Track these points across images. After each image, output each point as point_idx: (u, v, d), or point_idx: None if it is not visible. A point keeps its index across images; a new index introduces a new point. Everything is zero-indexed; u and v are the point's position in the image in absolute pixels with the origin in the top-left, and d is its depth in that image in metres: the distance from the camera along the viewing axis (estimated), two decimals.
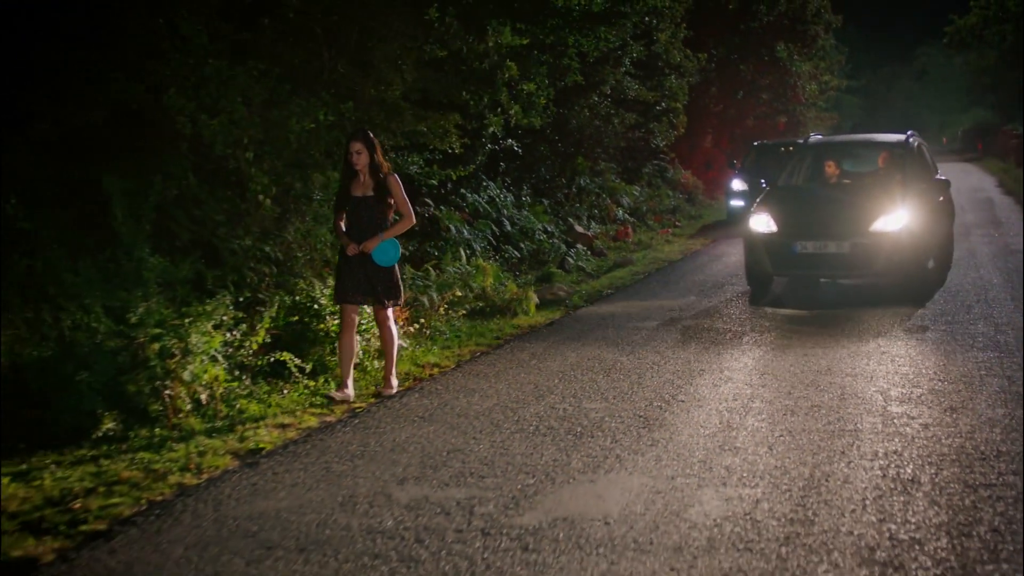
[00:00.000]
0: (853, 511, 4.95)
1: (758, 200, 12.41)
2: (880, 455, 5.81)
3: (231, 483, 5.73)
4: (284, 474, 5.85)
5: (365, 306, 7.86)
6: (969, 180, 32.77)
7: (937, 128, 73.05)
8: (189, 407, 7.06)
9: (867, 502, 5.07)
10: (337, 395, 7.47)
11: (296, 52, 10.01)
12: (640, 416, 6.83)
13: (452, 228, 13.22)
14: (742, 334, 9.79)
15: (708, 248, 18.31)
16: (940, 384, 7.46)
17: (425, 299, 10.27)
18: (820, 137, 14.21)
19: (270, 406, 7.40)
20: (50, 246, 7.95)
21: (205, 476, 5.91)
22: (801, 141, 15.98)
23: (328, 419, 7.10)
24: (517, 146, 16.20)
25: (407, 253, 12.08)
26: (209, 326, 7.27)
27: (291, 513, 5.19)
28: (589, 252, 16.33)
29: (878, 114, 72.95)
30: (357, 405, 7.47)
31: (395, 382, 7.83)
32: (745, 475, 5.52)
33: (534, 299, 11.56)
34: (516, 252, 14.62)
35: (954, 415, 6.60)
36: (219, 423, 6.98)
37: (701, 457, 5.88)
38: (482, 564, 4.45)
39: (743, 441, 6.16)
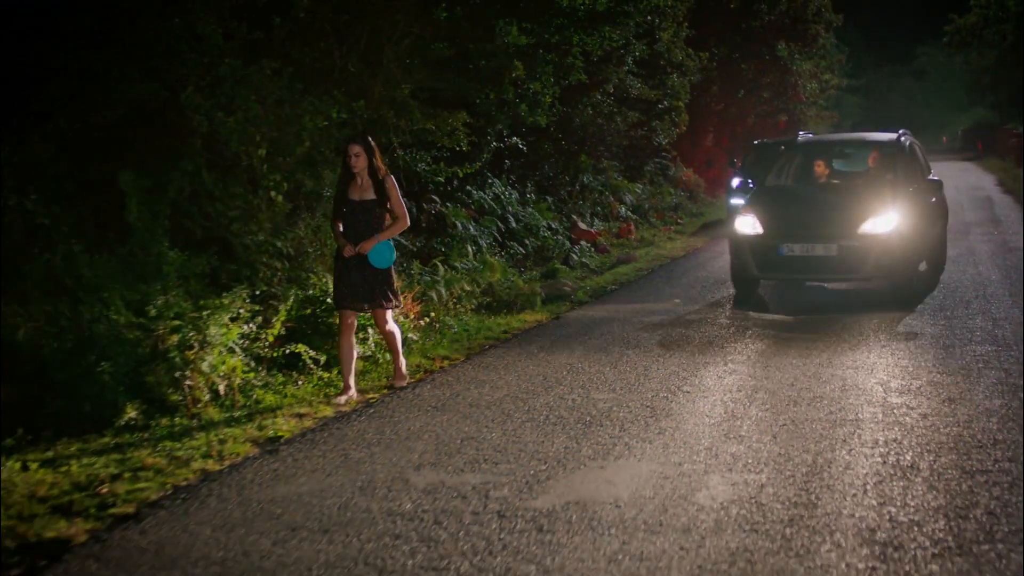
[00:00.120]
0: (854, 495, 5.14)
1: (744, 200, 12.21)
2: (880, 443, 6.01)
3: (253, 469, 5.93)
4: (303, 460, 6.04)
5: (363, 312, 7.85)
6: (969, 179, 32.98)
7: (937, 127, 73.22)
8: (207, 397, 7.25)
9: (868, 487, 5.26)
10: (340, 399, 7.49)
11: (307, 51, 10.20)
12: (647, 406, 7.03)
13: (459, 225, 13.41)
14: (745, 329, 10.00)
15: (710, 245, 18.50)
16: (939, 376, 7.65)
17: (434, 294, 10.46)
18: (809, 136, 13.99)
19: (286, 396, 7.60)
20: (68, 240, 8.14)
21: (227, 462, 6.10)
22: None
23: (343, 409, 7.30)
24: (522, 144, 16.38)
25: (415, 249, 12.28)
26: (226, 319, 7.46)
27: (312, 497, 5.38)
28: (593, 249, 16.52)
29: (878, 113, 73.05)
30: (371, 396, 7.67)
31: (405, 371, 7.98)
32: (750, 462, 5.72)
33: (540, 294, 11.75)
34: (521, 248, 14.82)
35: (952, 405, 6.80)
36: (237, 413, 7.18)
37: (707, 445, 6.08)
38: (499, 544, 4.64)
39: (747, 430, 6.36)
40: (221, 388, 7.33)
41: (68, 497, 5.56)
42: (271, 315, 8.22)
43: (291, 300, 8.02)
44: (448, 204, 13.88)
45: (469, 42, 11.45)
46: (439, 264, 11.59)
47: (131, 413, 6.88)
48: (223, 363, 7.32)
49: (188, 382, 7.15)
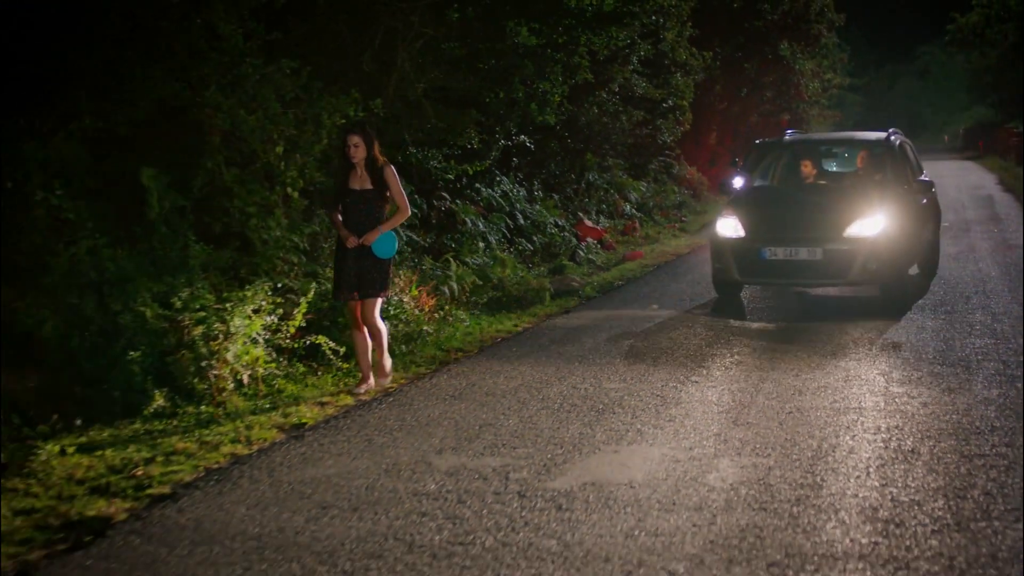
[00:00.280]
0: (858, 477, 5.40)
1: (727, 202, 11.85)
2: (883, 430, 6.27)
3: (281, 453, 6.18)
4: (329, 445, 6.30)
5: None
6: (970, 178, 33.20)
7: (939, 126, 73.42)
8: (231, 386, 7.50)
9: (871, 470, 5.52)
10: (360, 389, 7.73)
11: (324, 51, 10.44)
12: (657, 395, 7.28)
13: (468, 221, 13.65)
14: (751, 322, 10.26)
15: None
16: (939, 368, 7.91)
17: (446, 288, 10.72)
18: (796, 135, 13.56)
19: (307, 386, 7.86)
20: (92, 235, 8.38)
21: (255, 447, 6.36)
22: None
23: (363, 398, 7.55)
24: (529, 142, 16.63)
25: (425, 245, 12.53)
26: (249, 310, 7.71)
27: (340, 478, 5.64)
28: (599, 246, 16.77)
29: (880, 112, 73.21)
30: (389, 386, 7.92)
31: (389, 365, 7.91)
32: (758, 446, 5.97)
33: (549, 289, 12.00)
34: (529, 245, 15.07)
35: (952, 395, 7.05)
36: (261, 402, 7.43)
37: (716, 431, 6.33)
38: (520, 521, 4.90)
39: (755, 417, 6.62)
40: (245, 377, 7.59)
41: (105, 479, 5.81)
42: (289, 308, 8.46)
43: (312, 293, 8.27)
44: (457, 201, 14.13)
45: (480, 42, 11.70)
46: (451, 259, 11.84)
47: (159, 401, 7.15)
48: (246, 353, 7.57)
49: (213, 371, 7.40)
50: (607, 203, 20.46)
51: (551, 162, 18.51)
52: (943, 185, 28.26)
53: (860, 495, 5.12)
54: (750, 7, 29.40)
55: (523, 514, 4.99)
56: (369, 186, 7.63)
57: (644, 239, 19.08)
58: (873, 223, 10.39)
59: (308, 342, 8.21)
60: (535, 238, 15.44)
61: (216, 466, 6.01)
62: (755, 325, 10.09)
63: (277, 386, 7.77)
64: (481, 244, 13.35)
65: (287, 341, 8.14)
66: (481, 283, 11.36)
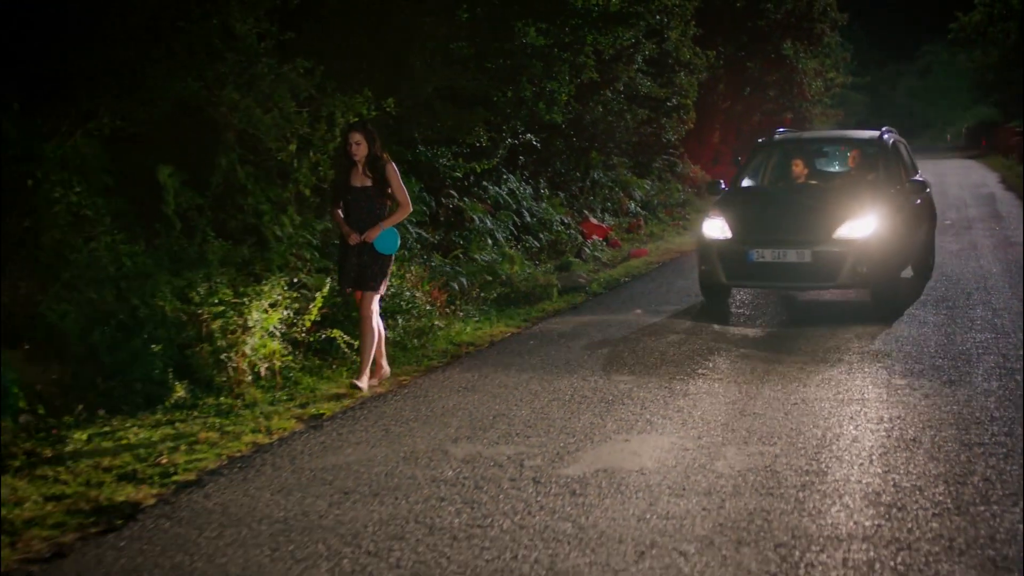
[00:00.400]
0: (861, 464, 5.59)
1: (713, 202, 11.57)
2: (885, 419, 6.45)
3: (301, 442, 6.37)
4: (347, 434, 6.49)
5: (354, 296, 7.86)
6: (972, 176, 33.34)
7: (941, 125, 73.54)
8: (249, 379, 7.69)
9: (874, 457, 5.71)
10: (374, 381, 7.86)
11: (335, 52, 10.62)
12: (665, 387, 7.47)
13: (476, 218, 13.84)
14: (755, 317, 10.45)
15: None
16: (940, 361, 8.09)
17: (456, 284, 10.90)
18: (787, 133, 13.22)
19: (323, 379, 8.05)
20: (111, 231, 8.57)
21: (276, 436, 6.55)
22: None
23: (379, 390, 7.74)
24: (535, 140, 16.81)
25: (434, 241, 12.71)
26: (266, 304, 7.90)
27: (360, 466, 5.83)
28: (604, 243, 16.96)
29: (883, 111, 73.30)
30: (403, 378, 8.10)
31: (365, 381, 7.68)
32: (764, 435, 6.16)
33: (556, 285, 12.19)
34: (536, 242, 15.25)
35: (952, 387, 7.24)
36: (279, 394, 7.62)
37: (723, 421, 6.52)
38: (536, 505, 5.09)
39: (761, 407, 6.80)
40: (262, 370, 7.77)
41: (131, 467, 6.00)
42: (303, 303, 8.65)
43: (327, 288, 8.45)
44: (465, 199, 14.32)
45: (489, 42, 11.88)
46: (460, 256, 12.02)
47: (180, 392, 7.34)
48: (264, 346, 7.76)
49: (232, 364, 7.59)
50: (612, 201, 20.64)
51: (557, 160, 18.69)
52: (945, 183, 28.49)
53: (864, 481, 5.31)
54: (753, 6, 29.57)
55: (538, 499, 5.18)
56: (370, 183, 7.67)
57: (649, 237, 19.27)
58: (864, 224, 10.11)
59: (323, 336, 8.39)
60: (541, 235, 15.63)
61: (239, 454, 6.20)
62: (759, 321, 10.28)
63: (294, 378, 7.95)
64: (489, 241, 13.54)
65: (303, 335, 8.33)
66: (491, 279, 11.54)
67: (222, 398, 7.47)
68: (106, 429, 6.79)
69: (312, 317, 8.27)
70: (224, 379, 7.60)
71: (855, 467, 5.54)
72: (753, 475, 5.44)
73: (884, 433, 6.17)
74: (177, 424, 6.89)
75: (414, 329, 9.23)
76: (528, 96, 12.99)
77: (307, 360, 8.36)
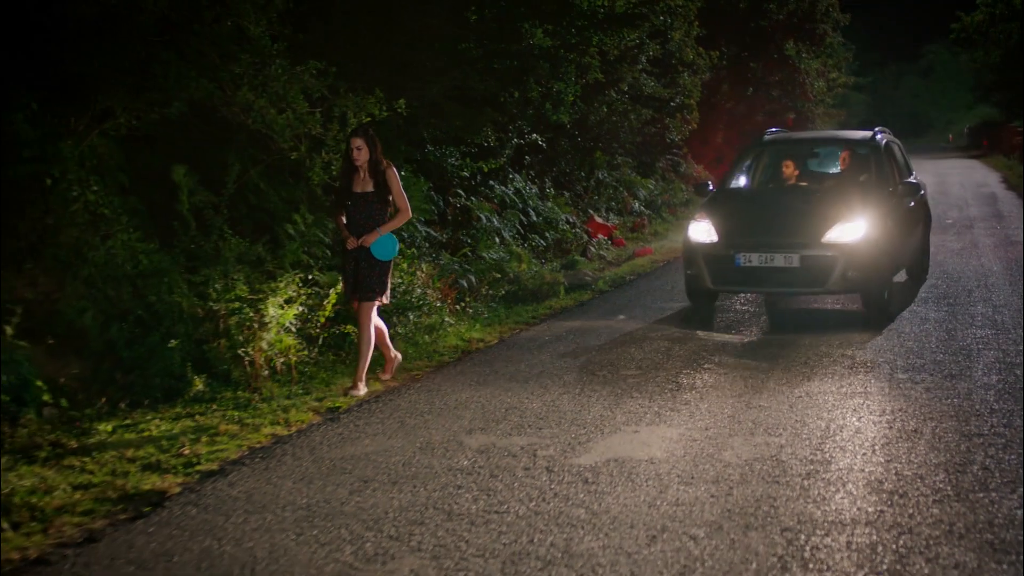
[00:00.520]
0: (864, 454, 5.77)
1: (700, 204, 11.25)
2: (887, 412, 6.63)
3: (319, 433, 6.56)
4: (364, 426, 6.67)
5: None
6: (974, 176, 33.49)
7: (943, 125, 73.69)
8: (266, 373, 7.87)
9: (876, 448, 5.89)
10: (385, 376, 8.03)
11: (346, 53, 10.80)
12: (673, 381, 7.65)
13: (483, 217, 14.03)
14: (760, 314, 10.63)
15: None
16: (941, 356, 8.27)
17: (464, 282, 11.09)
18: (779, 133, 12.93)
19: (337, 373, 8.22)
20: (127, 229, 8.75)
21: (294, 428, 6.73)
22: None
23: (392, 384, 7.92)
24: (541, 140, 17.00)
25: (443, 240, 12.89)
26: (281, 301, 8.08)
27: (378, 456, 6.01)
28: (609, 242, 17.15)
29: (885, 111, 73.48)
30: (415, 373, 8.29)
31: (363, 387, 7.65)
32: (770, 427, 6.34)
33: (563, 283, 12.37)
34: (542, 241, 15.43)
35: (953, 381, 7.42)
36: (294, 387, 7.80)
37: (729, 413, 6.70)
38: (550, 492, 5.27)
39: (766, 400, 6.98)
40: (278, 365, 7.95)
41: (154, 457, 6.18)
42: (316, 299, 8.83)
43: (340, 285, 8.62)
44: (472, 198, 14.50)
45: (496, 43, 12.06)
46: (469, 254, 12.21)
47: (199, 386, 7.52)
48: (280, 342, 7.94)
49: (249, 359, 7.77)
50: (616, 200, 20.82)
51: (562, 160, 18.87)
52: (947, 183, 28.65)
53: (867, 470, 5.49)
54: (756, 7, 29.77)
55: (552, 486, 5.36)
56: (371, 189, 7.66)
57: (653, 236, 19.45)
58: (854, 228, 9.77)
59: (337, 332, 8.57)
60: (547, 234, 15.81)
61: (259, 445, 6.38)
62: (763, 318, 10.46)
63: (309, 373, 8.13)
64: (496, 240, 13.73)
65: (317, 330, 8.51)
66: (499, 276, 11.73)
67: (239, 392, 7.65)
68: (128, 422, 6.97)
69: (327, 313, 8.45)
70: (241, 373, 7.77)
71: (858, 457, 5.72)
72: (759, 464, 5.62)
73: (886, 424, 6.35)
74: (197, 417, 7.07)
75: (425, 325, 9.41)
76: (535, 97, 13.17)
77: (321, 355, 8.54)
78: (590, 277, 13.36)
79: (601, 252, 16.22)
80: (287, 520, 5.00)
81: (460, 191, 14.26)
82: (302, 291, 8.30)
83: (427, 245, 12.06)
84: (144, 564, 4.55)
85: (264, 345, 7.84)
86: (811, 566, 4.26)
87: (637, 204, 21.54)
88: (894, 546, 4.44)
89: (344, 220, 7.80)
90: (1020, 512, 4.80)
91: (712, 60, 25.23)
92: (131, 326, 8.09)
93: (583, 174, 19.77)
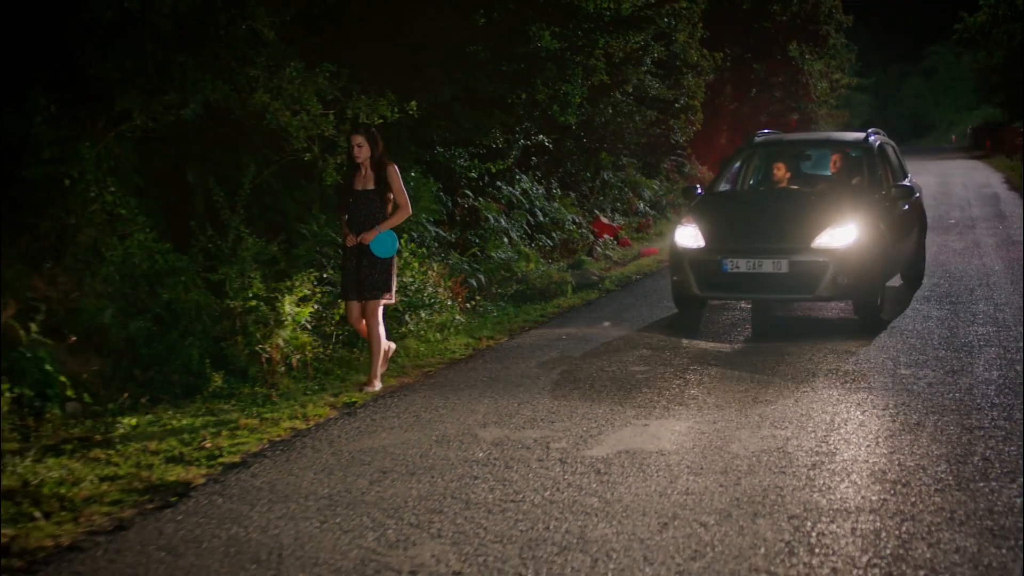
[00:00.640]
0: (868, 446, 5.94)
1: (687, 208, 11.01)
2: (891, 406, 6.81)
3: (337, 427, 6.73)
4: (381, 420, 6.85)
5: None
6: (977, 176, 33.62)
7: (946, 126, 73.82)
8: (283, 369, 8.05)
9: (880, 440, 6.06)
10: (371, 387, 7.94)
11: (356, 56, 10.98)
12: (681, 377, 7.83)
13: (491, 218, 14.21)
14: (763, 312, 10.80)
15: None
16: (944, 352, 8.44)
17: (474, 281, 11.28)
18: (770, 135, 12.63)
19: (351, 370, 8.40)
20: (143, 229, 8.92)
21: (312, 422, 6.91)
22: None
23: (406, 380, 8.10)
24: (548, 141, 17.17)
25: (451, 240, 13.07)
26: (297, 298, 8.26)
27: (395, 448, 6.18)
28: (615, 242, 17.33)
29: (888, 112, 73.69)
30: (428, 370, 8.47)
31: (378, 383, 7.78)
32: (776, 420, 6.51)
33: (571, 282, 12.55)
34: (549, 240, 15.61)
35: (955, 376, 7.59)
36: (311, 383, 7.98)
37: (737, 407, 6.87)
38: (564, 483, 5.44)
39: (772, 395, 7.16)
40: (294, 361, 8.13)
41: (177, 450, 6.35)
42: (330, 297, 9.01)
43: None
44: (480, 199, 14.68)
45: (505, 46, 12.23)
46: (477, 253, 12.39)
47: (218, 382, 7.70)
48: (296, 338, 8.12)
49: (266, 355, 7.94)
50: (622, 201, 21.00)
51: (568, 161, 19.05)
52: (950, 183, 28.80)
53: (870, 461, 5.66)
54: (760, 9, 29.95)
55: (565, 477, 5.53)
56: (371, 186, 7.70)
57: (658, 236, 19.62)
58: (845, 233, 9.51)
59: (351, 329, 8.73)
60: (554, 234, 15.99)
61: (279, 438, 6.55)
62: (768, 316, 10.63)
63: (324, 369, 8.31)
64: (504, 240, 13.91)
65: (331, 328, 8.68)
66: (507, 275, 11.91)
67: (257, 387, 7.82)
68: (149, 416, 7.14)
69: (341, 311, 8.62)
70: (258, 370, 7.95)
71: (862, 448, 5.90)
72: (766, 456, 5.79)
73: (890, 418, 6.52)
74: (216, 412, 7.24)
75: (436, 323, 9.59)
76: (542, 98, 13.35)
77: (336, 352, 8.71)
78: (597, 277, 13.54)
79: (607, 252, 16.40)
80: (310, 509, 5.18)
81: (468, 192, 14.44)
82: (316, 290, 8.48)
83: (436, 245, 12.24)
84: (174, 550, 4.72)
85: (281, 342, 8.01)
86: (817, 551, 4.43)
87: (642, 204, 21.73)
88: (897, 532, 4.61)
89: (346, 218, 7.88)
90: (1019, 500, 4.97)
91: (716, 62, 25.41)
92: (149, 324, 8.28)
93: (589, 175, 19.95)
